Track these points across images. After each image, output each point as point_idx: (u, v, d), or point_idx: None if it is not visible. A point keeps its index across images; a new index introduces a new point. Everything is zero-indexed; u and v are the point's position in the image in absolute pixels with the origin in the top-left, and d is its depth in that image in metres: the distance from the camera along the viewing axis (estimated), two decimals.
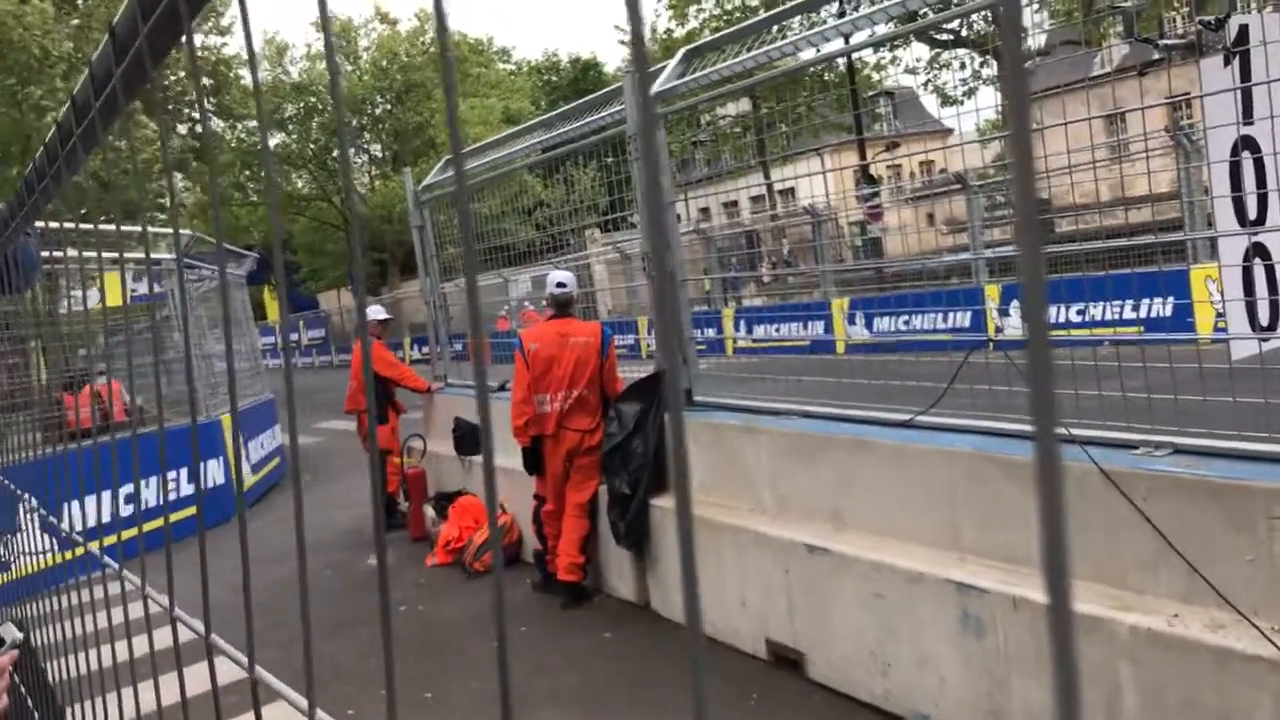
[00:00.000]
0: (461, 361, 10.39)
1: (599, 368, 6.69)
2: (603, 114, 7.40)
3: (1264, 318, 3.67)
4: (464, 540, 7.97)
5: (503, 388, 8.61)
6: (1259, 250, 3.65)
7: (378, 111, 44.73)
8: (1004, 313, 14.07)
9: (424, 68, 43.05)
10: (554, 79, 56.20)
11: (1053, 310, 13.72)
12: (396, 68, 43.22)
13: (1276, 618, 3.26)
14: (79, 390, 7.86)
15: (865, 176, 21.69)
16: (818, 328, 17.99)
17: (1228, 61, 3.60)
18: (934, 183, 18.48)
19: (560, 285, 6.86)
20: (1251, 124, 3.63)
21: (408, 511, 9.31)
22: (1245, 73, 3.62)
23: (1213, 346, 4.29)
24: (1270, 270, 3.67)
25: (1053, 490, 0.41)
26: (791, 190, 25.96)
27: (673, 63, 6.35)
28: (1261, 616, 3.29)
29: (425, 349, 15.91)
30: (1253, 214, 3.64)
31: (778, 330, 18.42)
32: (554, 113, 9.14)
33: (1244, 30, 3.61)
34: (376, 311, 10.59)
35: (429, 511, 8.97)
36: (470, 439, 8.64)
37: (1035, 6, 24.89)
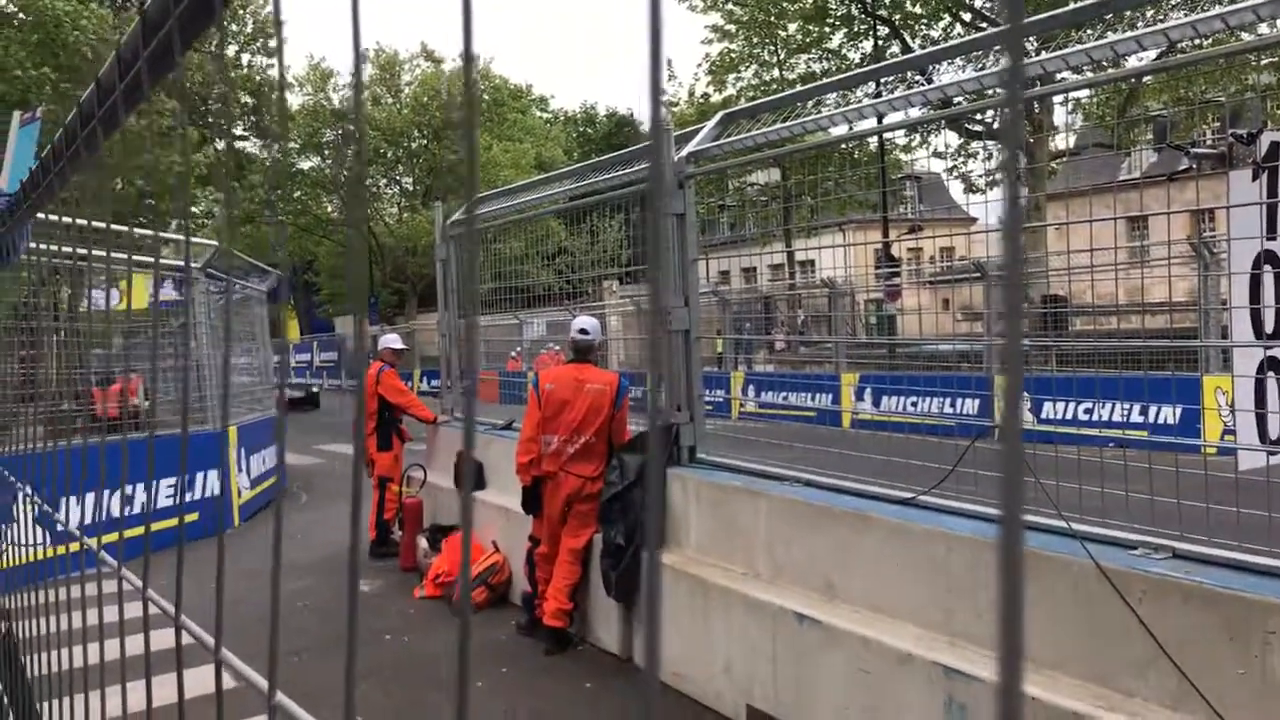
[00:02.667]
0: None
1: (610, 417, 6.71)
2: (632, 169, 7.50)
3: (1274, 431, 3.68)
4: (454, 575, 7.95)
5: (509, 426, 8.63)
6: (1273, 364, 3.67)
7: (414, 145, 45.24)
8: None
9: (464, 107, 43.54)
10: (589, 131, 56.87)
11: (1061, 407, 13.73)
12: (437, 105, 43.78)
13: None
14: (107, 386, 7.94)
15: (886, 255, 21.82)
16: (826, 399, 18.00)
17: (1256, 175, 3.64)
18: (953, 269, 18.57)
19: (583, 331, 6.92)
20: (1275, 239, 3.67)
21: (401, 540, 9.29)
22: (1272, 189, 3.66)
23: (1218, 457, 4.29)
24: None
25: (1013, 572, 0.43)
26: (812, 262, 26.11)
27: (710, 124, 6.45)
28: None
29: (436, 382, 15.95)
30: (1270, 327, 3.67)
31: (785, 398, 18.43)
32: (585, 163, 9.27)
33: (1275, 147, 3.66)
34: (392, 340, 10.65)
35: (422, 543, 8.95)
36: (473, 475, 8.64)
37: (1070, 107, 25.22)
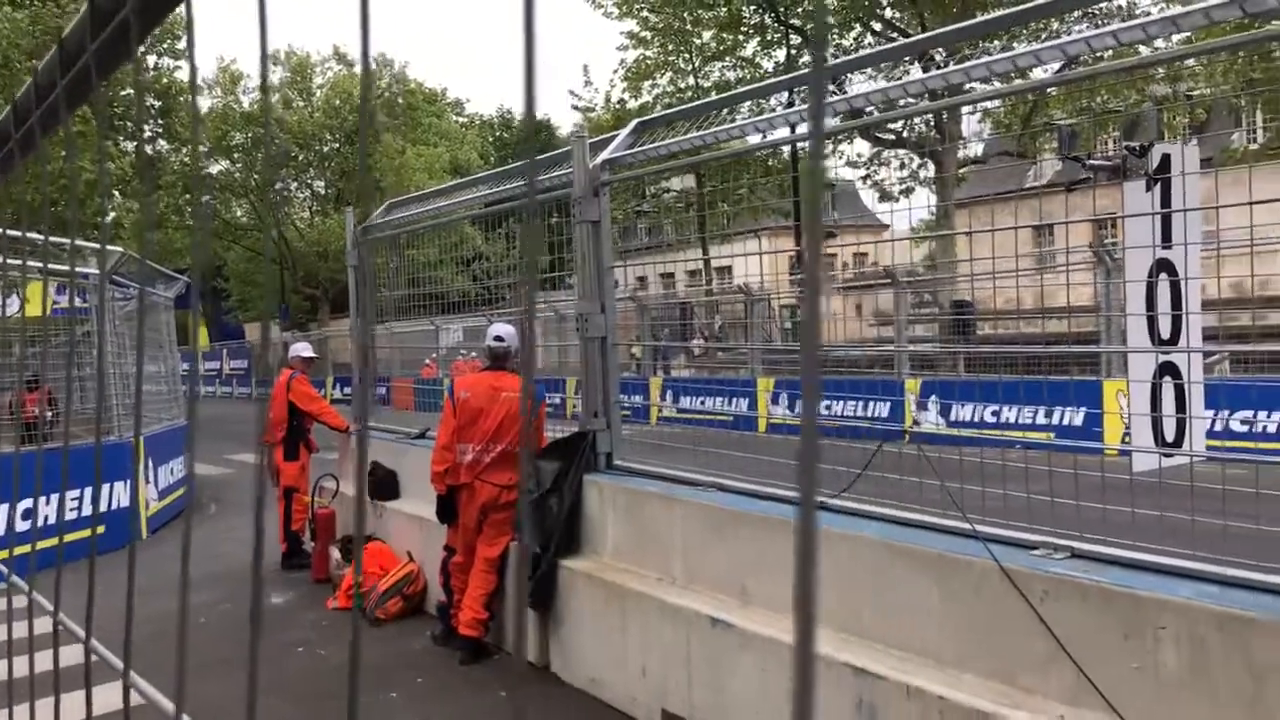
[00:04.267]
0: (383, 405, 10.31)
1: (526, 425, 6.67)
2: (551, 175, 7.48)
3: (1168, 434, 3.81)
4: (367, 586, 7.84)
5: (423, 435, 8.55)
6: (1168, 369, 3.80)
7: (326, 149, 44.62)
8: (922, 406, 14.35)
9: (376, 110, 43.12)
10: (506, 136, 56.65)
11: (969, 410, 14.05)
12: (349, 108, 43.25)
13: None
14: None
15: (800, 262, 22.07)
16: (742, 404, 18.16)
17: (1149, 187, 3.77)
18: (865, 275, 18.88)
19: (498, 339, 6.88)
20: (1169, 248, 3.81)
21: (313, 552, 9.14)
22: (1165, 199, 3.80)
23: (1120, 458, 4.43)
24: (1179, 389, 3.83)
25: (808, 554, 0.45)
26: (729, 268, 26.35)
27: (624, 132, 6.47)
28: None
29: (349, 389, 15.73)
30: (1165, 334, 3.80)
31: (703, 403, 18.56)
32: (501, 169, 9.23)
33: (1166, 159, 3.79)
34: (303, 348, 10.48)
35: (335, 554, 8.82)
36: (386, 484, 8.55)
37: (979, 116, 25.80)
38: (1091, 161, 5.85)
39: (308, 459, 9.88)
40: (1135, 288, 3.77)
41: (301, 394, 9.78)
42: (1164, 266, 3.74)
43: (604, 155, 6.21)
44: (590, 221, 6.17)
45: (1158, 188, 3.73)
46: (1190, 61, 18.04)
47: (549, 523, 6.10)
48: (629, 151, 6.24)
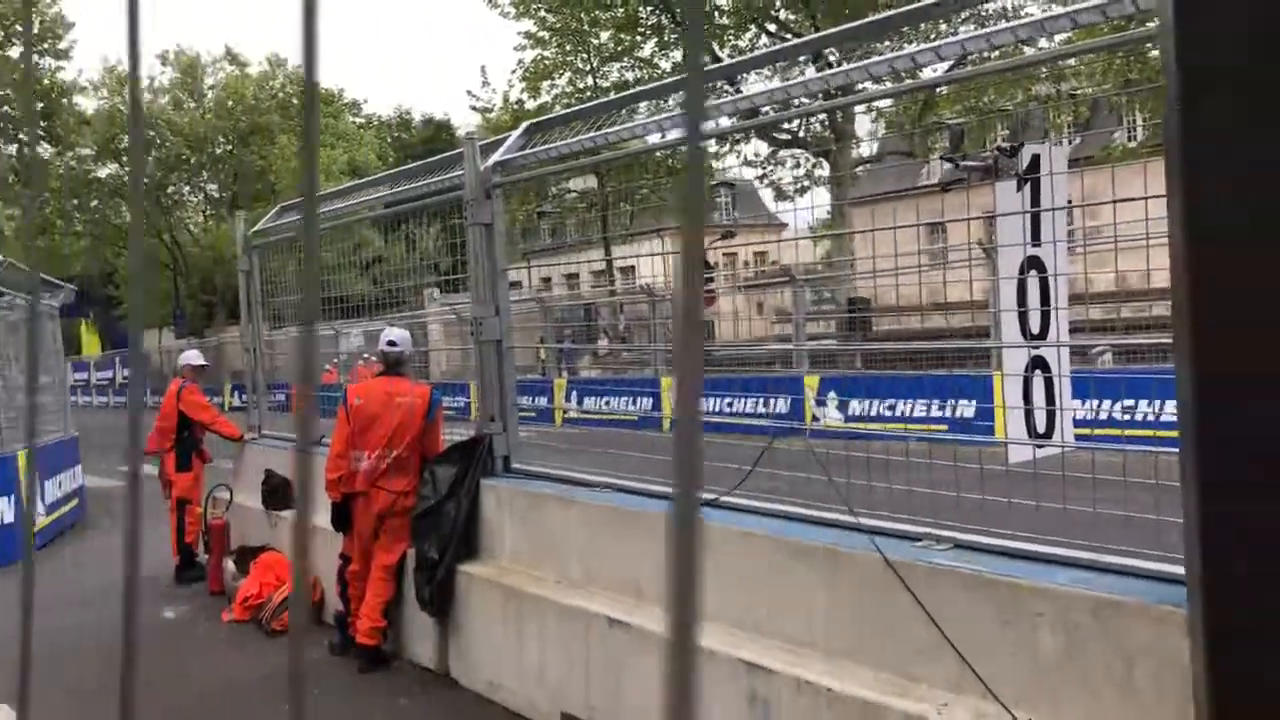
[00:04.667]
0: (278, 412, 10.11)
1: (422, 430, 6.63)
2: (448, 175, 7.41)
3: (1040, 426, 3.94)
4: (263, 597, 7.70)
5: (319, 441, 8.41)
6: (1038, 363, 3.93)
7: (218, 151, 43.60)
8: (820, 403, 14.58)
9: (270, 111, 42.31)
10: (405, 136, 56.00)
11: (866, 405, 14.31)
12: (242, 109, 42.34)
13: (1035, 710, 3.45)
14: None
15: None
16: (646, 404, 18.23)
17: (1020, 186, 3.89)
18: (765, 273, 19.13)
19: (391, 344, 6.81)
20: (1039, 246, 3.93)
21: (207, 564, 8.94)
22: (1035, 198, 3.93)
23: (999, 450, 4.56)
24: (1048, 382, 3.96)
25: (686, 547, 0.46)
26: (633, 268, 26.45)
27: (515, 134, 6.45)
28: (1022, 708, 3.48)
29: (246, 396, 15.43)
30: (1035, 329, 3.93)
31: (607, 403, 18.59)
32: (398, 169, 9.13)
33: (1035, 159, 3.92)
34: (193, 356, 10.23)
35: (229, 565, 8.62)
36: (281, 493, 8.39)
37: (873, 116, 26.31)
38: (965, 162, 6.00)
39: (201, 469, 9.65)
40: (1007, 285, 3.88)
41: (192, 403, 9.54)
42: (1034, 263, 3.86)
43: (495, 157, 6.18)
44: (483, 224, 6.13)
45: (1027, 187, 3.85)
46: (1072, 61, 18.64)
47: (446, 528, 6.06)
48: (521, 153, 6.22)
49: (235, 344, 28.18)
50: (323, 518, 6.86)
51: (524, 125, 6.46)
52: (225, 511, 9.21)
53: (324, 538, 7.05)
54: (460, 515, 6.03)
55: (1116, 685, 3.28)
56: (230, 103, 42.44)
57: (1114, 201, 3.69)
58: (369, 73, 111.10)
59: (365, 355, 13.79)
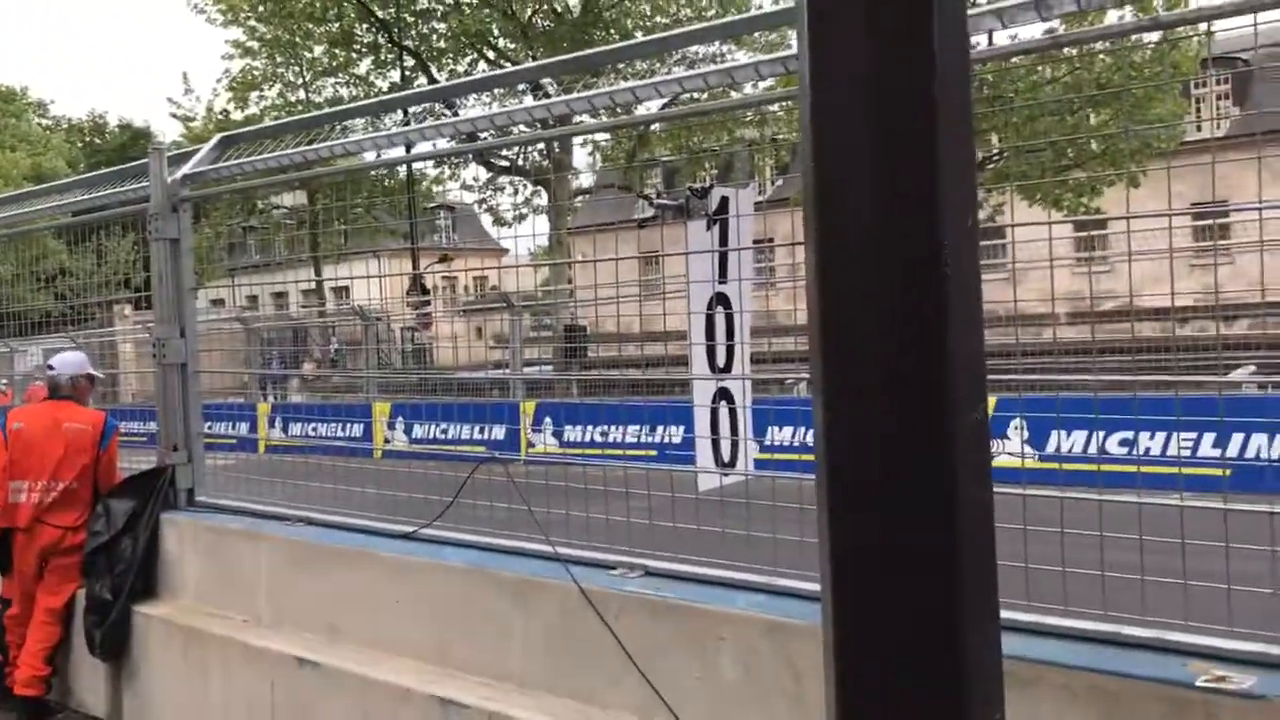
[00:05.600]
0: None
1: (95, 460, 6.14)
2: (138, 185, 6.94)
3: (726, 454, 4.10)
4: None
5: None
6: (724, 394, 4.10)
7: None
8: (536, 429, 14.66)
9: None
10: (99, 141, 52.15)
11: (581, 431, 14.51)
12: None
13: None
14: None
15: (418, 285, 21.99)
16: (357, 430, 17.70)
17: (709, 226, 4.05)
18: (485, 298, 19.10)
19: (49, 368, 6.31)
20: (725, 283, 4.11)
21: None
22: (724, 238, 4.10)
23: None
24: (733, 413, 4.13)
25: None
26: (347, 288, 25.71)
27: (208, 146, 6.12)
28: None
29: None
30: (721, 362, 4.09)
31: (314, 430, 17.90)
32: (82, 176, 8.51)
33: (724, 201, 4.10)
34: None
35: None
36: None
37: (589, 149, 26.91)
38: (659, 200, 6.23)
39: None
40: (697, 319, 4.03)
41: None
42: (721, 300, 4.03)
43: (185, 170, 5.84)
44: (168, 239, 5.77)
45: (716, 227, 4.01)
46: (774, 107, 19.78)
47: (121, 566, 5.61)
48: (214, 166, 5.90)
49: None
50: None
51: (217, 137, 6.14)
52: None
53: None
54: (137, 552, 5.61)
55: (789, 700, 3.44)
56: None
57: (792, 244, 3.90)
58: (61, 72, 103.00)
59: (36, 377, 12.72)
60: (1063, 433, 8.85)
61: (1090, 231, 17.48)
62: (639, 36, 21.49)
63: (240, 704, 5.03)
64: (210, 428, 6.45)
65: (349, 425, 18.10)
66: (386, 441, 16.79)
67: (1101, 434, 6.80)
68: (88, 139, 52.35)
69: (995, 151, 19.66)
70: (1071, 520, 3.23)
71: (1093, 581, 3.12)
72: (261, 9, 28.49)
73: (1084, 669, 2.89)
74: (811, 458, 1.56)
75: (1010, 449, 6.75)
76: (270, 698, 4.84)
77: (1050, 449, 7.84)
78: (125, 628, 5.66)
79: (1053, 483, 3.51)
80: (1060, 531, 3.21)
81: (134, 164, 7.42)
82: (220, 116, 31.38)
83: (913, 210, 1.37)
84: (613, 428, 14.44)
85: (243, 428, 15.92)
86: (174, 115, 34.86)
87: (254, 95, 30.62)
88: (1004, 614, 1.57)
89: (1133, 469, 6.80)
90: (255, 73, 30.18)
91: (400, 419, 17.47)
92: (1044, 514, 3.25)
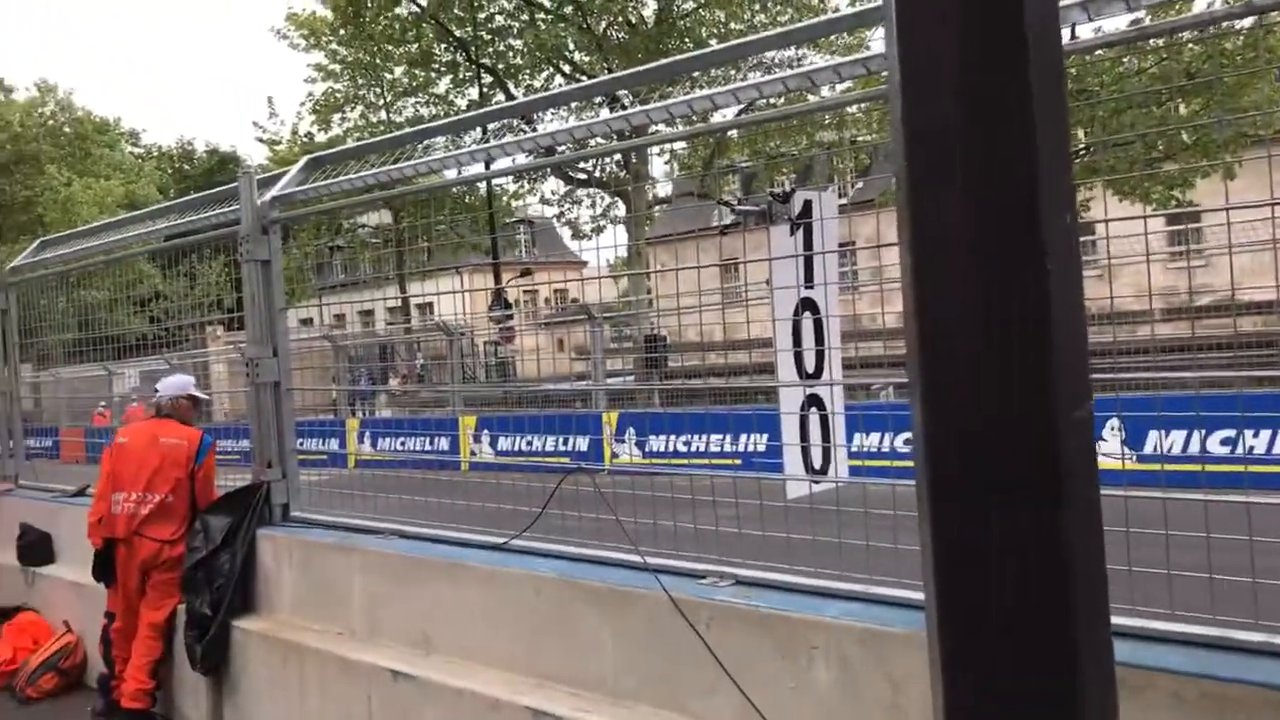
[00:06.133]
0: (37, 459, 9.44)
1: (190, 475, 6.31)
2: (228, 208, 7.12)
3: (816, 462, 4.06)
4: (17, 662, 7.11)
5: (82, 492, 7.87)
6: (814, 401, 4.05)
7: None
8: (619, 439, 14.68)
9: (38, 139, 39.86)
10: (187, 168, 53.67)
11: (664, 441, 14.49)
12: (8, 137, 39.69)
13: None
14: None
15: (500, 299, 22.22)
16: (444, 444, 17.92)
17: (793, 230, 4.02)
18: (566, 311, 19.20)
19: (155, 390, 6.60)
20: (812, 288, 4.07)
21: None
22: (808, 242, 4.06)
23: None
24: (824, 420, 4.08)
25: None
26: (431, 305, 26.06)
27: (295, 168, 6.24)
28: None
29: None
30: (810, 368, 4.05)
31: (403, 444, 18.18)
32: (175, 201, 8.74)
33: (808, 204, 4.06)
34: None
35: None
36: (39, 548, 7.80)
37: (666, 158, 26.93)
38: (741, 207, 6.20)
39: None
40: (783, 326, 3.99)
41: None
42: (808, 305, 3.99)
43: (273, 192, 5.97)
44: (259, 261, 5.90)
45: (800, 232, 3.98)
46: (852, 109, 19.64)
47: (219, 581, 5.74)
48: (301, 188, 6.03)
49: None
50: (87, 573, 6.43)
51: (304, 159, 6.26)
52: None
53: (88, 594, 6.59)
54: (235, 567, 5.74)
55: (885, 709, 3.38)
56: None
57: (878, 246, 3.85)
58: (147, 101, 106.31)
59: (133, 398, 13.08)
60: (1161, 433, 8.63)
61: (1185, 225, 17.00)
62: (713, 45, 21.46)
63: (337, 715, 5.10)
64: (302, 444, 6.58)
65: (436, 439, 18.33)
66: (473, 454, 16.94)
67: (1202, 433, 6.60)
68: (177, 165, 53.91)
69: (1082, 146, 19.21)
70: (1175, 522, 3.13)
71: (1200, 585, 3.02)
72: (342, 33, 29.13)
73: (1195, 675, 2.79)
74: (901, 464, 1.53)
75: (1108, 450, 6.57)
76: (366, 709, 4.91)
77: (1149, 449, 7.64)
78: (224, 642, 5.78)
79: (1153, 484, 3.41)
80: (1165, 534, 3.11)
81: (223, 188, 7.60)
82: (304, 139, 32.09)
83: (1012, 208, 1.34)
84: (696, 437, 14.41)
85: (333, 443, 16.24)
86: (259, 139, 35.78)
87: (336, 117, 31.29)
88: (1112, 619, 1.52)
89: (1239, 469, 6.60)
90: (337, 95, 30.85)
91: (486, 432, 17.64)
92: (1145, 516, 3.16)
